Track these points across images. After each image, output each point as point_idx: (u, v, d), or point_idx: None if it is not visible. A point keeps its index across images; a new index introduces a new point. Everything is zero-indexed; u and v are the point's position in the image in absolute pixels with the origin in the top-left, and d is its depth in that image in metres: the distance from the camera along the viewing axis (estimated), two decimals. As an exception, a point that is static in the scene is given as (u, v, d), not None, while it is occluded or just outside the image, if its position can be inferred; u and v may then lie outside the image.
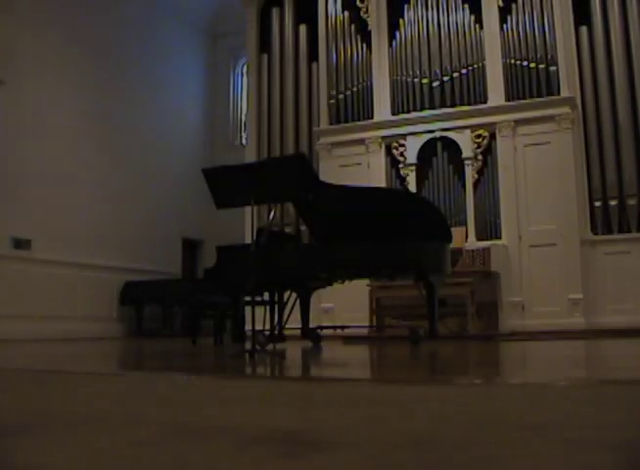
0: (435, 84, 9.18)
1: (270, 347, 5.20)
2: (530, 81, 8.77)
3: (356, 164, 9.44)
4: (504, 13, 9.05)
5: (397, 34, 9.56)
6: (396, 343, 6.77)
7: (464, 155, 8.89)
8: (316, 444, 1.24)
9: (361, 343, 7.48)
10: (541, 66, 8.72)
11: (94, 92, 10.72)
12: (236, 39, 12.92)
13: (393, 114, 9.40)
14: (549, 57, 8.69)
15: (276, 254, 5.58)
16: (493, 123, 8.83)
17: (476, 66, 9.05)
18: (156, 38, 12.16)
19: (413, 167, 9.13)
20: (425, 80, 9.25)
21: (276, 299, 6.33)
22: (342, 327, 6.75)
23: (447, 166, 9.00)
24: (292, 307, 6.40)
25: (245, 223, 9.45)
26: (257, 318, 4.33)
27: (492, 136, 8.87)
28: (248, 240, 8.65)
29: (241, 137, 13.66)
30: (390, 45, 9.58)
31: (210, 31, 13.78)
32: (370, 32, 9.73)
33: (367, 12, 9.83)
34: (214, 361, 4.46)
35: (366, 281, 8.12)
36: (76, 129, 10.35)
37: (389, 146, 9.35)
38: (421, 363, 4.04)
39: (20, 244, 9.18)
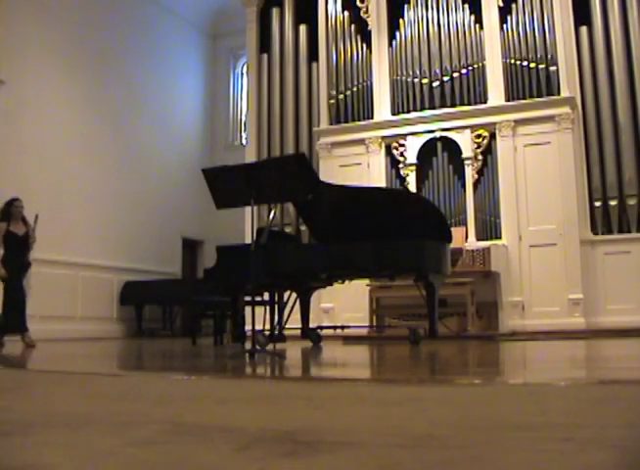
0: (435, 84, 9.17)
1: (270, 347, 5.20)
2: (530, 81, 8.77)
3: (356, 165, 9.44)
4: (504, 13, 9.05)
5: (397, 34, 9.55)
6: (396, 343, 6.77)
7: (464, 155, 8.89)
8: (316, 444, 1.24)
9: (361, 343, 7.48)
10: (541, 66, 8.72)
11: (94, 92, 10.72)
12: (236, 39, 12.92)
13: (393, 114, 9.39)
14: (549, 57, 8.69)
15: (276, 254, 5.58)
16: (493, 123, 8.83)
17: (476, 66, 9.05)
18: (156, 38, 12.16)
19: (413, 167, 9.12)
20: (425, 80, 9.24)
21: (276, 299, 6.33)
22: (343, 327, 6.74)
23: (447, 166, 8.99)
24: (292, 307, 6.40)
25: (245, 223, 9.45)
26: (257, 318, 4.33)
27: (492, 136, 8.87)
28: (248, 240, 8.65)
29: (241, 137, 13.66)
30: (390, 45, 9.58)
31: (210, 31, 13.78)
32: (370, 32, 9.72)
33: (367, 12, 9.82)
34: (214, 361, 4.46)
35: (366, 281, 8.12)
36: (76, 129, 10.34)
37: (389, 146, 9.35)
38: (421, 363, 4.04)
39: (20, 244, 9.15)
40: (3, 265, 6.57)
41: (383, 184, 9.13)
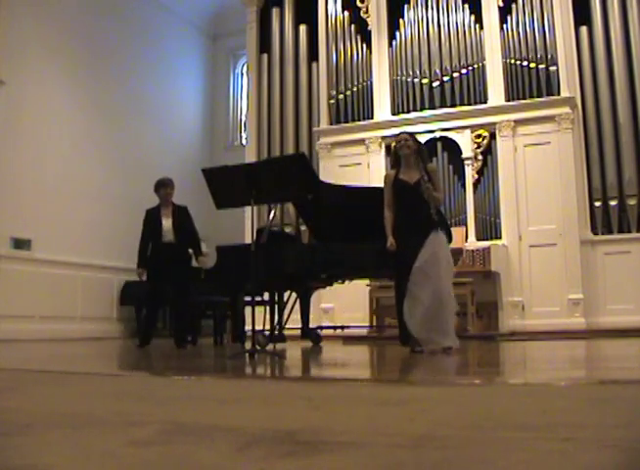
0: (435, 84, 9.17)
1: (270, 347, 5.20)
2: (530, 81, 8.77)
3: (356, 164, 9.44)
4: (504, 13, 9.04)
5: (397, 34, 9.55)
6: (396, 343, 6.76)
7: (464, 155, 8.89)
8: (316, 444, 1.24)
9: (361, 343, 7.48)
10: (541, 66, 8.72)
11: (94, 92, 10.71)
12: (236, 39, 12.90)
13: (393, 114, 9.39)
14: (549, 57, 8.69)
15: (276, 254, 5.57)
16: (493, 123, 8.82)
17: (476, 66, 9.05)
18: (156, 38, 12.14)
19: (413, 167, 9.11)
20: (425, 80, 9.24)
21: (276, 299, 6.33)
22: (343, 327, 6.74)
23: (447, 166, 8.99)
24: (292, 307, 6.40)
25: (245, 223, 9.45)
26: (257, 318, 4.33)
27: (492, 136, 8.86)
28: (248, 240, 8.65)
29: (241, 137, 13.65)
30: (390, 45, 9.58)
31: (210, 31, 13.76)
32: (370, 32, 9.72)
33: (367, 12, 9.82)
34: (214, 361, 4.46)
35: (366, 281, 8.12)
36: (76, 129, 10.33)
37: (389, 146, 9.34)
38: (421, 363, 4.04)
39: (20, 244, 9.16)
40: (393, 233, 4.63)
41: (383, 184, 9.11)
